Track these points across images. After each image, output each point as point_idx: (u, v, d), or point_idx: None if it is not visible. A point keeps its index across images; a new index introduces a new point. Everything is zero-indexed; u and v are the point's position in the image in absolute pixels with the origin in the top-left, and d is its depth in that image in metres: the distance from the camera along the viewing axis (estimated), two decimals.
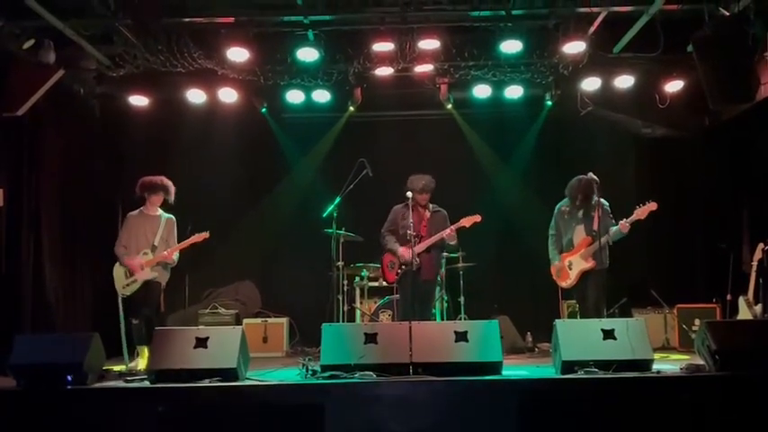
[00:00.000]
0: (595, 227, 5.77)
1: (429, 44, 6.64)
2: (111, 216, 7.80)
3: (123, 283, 6.03)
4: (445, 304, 7.25)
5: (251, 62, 6.84)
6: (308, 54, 6.78)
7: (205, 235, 6.14)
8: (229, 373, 4.53)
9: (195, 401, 4.32)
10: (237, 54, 6.61)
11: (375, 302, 7.66)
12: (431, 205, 6.28)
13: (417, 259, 6.02)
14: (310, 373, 4.70)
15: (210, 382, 4.42)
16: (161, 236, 6.11)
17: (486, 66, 7.14)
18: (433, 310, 6.72)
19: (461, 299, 7.35)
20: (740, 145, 7.49)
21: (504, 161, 8.75)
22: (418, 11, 6.33)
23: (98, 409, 4.35)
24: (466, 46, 6.87)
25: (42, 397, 4.37)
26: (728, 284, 6.94)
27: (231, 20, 6.42)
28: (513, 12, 6.33)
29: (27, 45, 6.15)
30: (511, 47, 6.59)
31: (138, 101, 7.75)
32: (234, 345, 4.66)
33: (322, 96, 7.86)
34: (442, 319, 7.12)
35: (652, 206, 5.75)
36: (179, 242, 6.16)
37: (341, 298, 7.01)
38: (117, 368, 5.49)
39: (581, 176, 5.95)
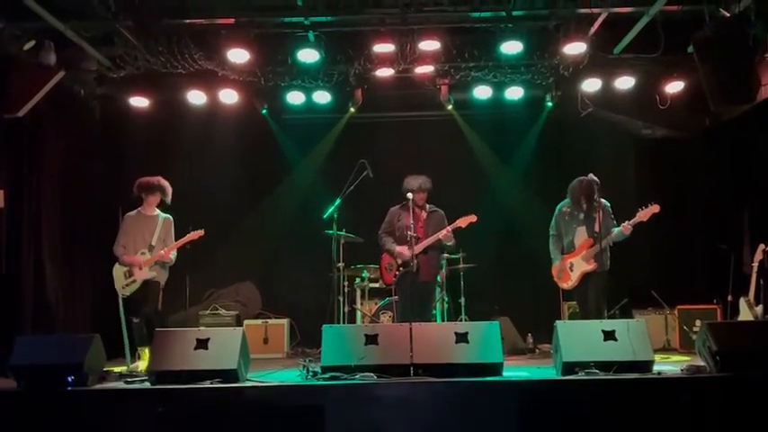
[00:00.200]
0: (597, 228, 5.75)
1: (429, 45, 6.64)
2: (112, 217, 7.74)
3: (123, 284, 6.04)
4: (446, 305, 7.25)
5: (251, 63, 6.83)
6: (308, 55, 6.79)
7: (200, 233, 6.15)
8: (230, 375, 4.52)
9: (195, 403, 4.32)
10: (238, 55, 6.61)
11: (376, 304, 7.66)
12: (428, 206, 6.26)
13: (415, 260, 6.00)
14: (311, 374, 4.70)
15: (211, 384, 4.42)
16: (158, 236, 6.11)
17: (487, 67, 7.14)
18: (434, 312, 6.72)
19: (462, 300, 7.34)
20: (741, 146, 7.49)
21: (505, 162, 8.74)
22: (418, 12, 6.33)
23: (98, 410, 4.35)
24: (466, 47, 6.87)
25: (43, 398, 4.37)
26: (729, 285, 6.94)
27: (231, 21, 6.42)
28: (514, 13, 6.33)
29: (28, 46, 6.15)
30: (511, 48, 6.59)
31: (139, 102, 7.75)
32: (234, 346, 4.66)
33: (322, 97, 7.86)
34: (443, 321, 7.11)
35: (655, 208, 5.74)
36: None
37: (341, 299, 7.01)
38: (118, 369, 5.49)
39: (582, 178, 5.93)
